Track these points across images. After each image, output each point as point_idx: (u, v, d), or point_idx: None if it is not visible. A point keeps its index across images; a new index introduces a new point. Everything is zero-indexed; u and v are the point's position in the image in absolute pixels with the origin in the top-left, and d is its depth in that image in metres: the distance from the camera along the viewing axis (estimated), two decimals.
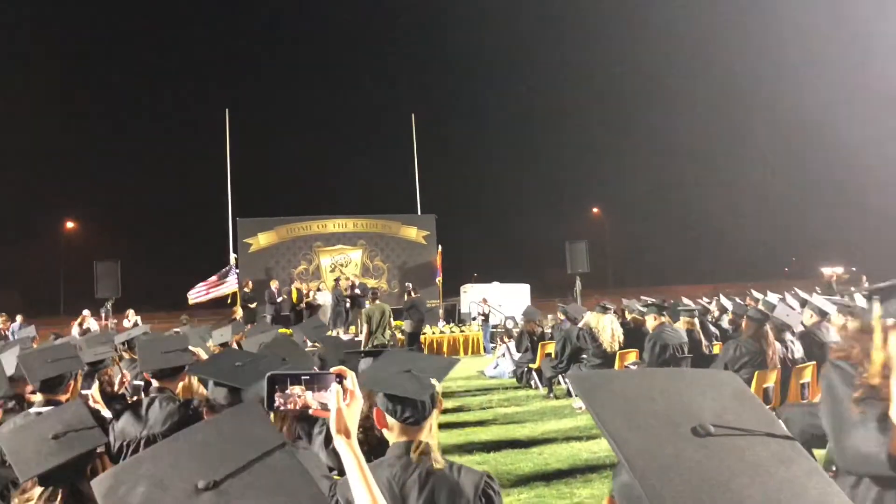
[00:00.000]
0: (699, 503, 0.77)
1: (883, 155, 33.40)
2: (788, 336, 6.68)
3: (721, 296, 12.22)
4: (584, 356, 8.73)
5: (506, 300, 18.15)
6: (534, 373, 10.31)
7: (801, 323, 7.47)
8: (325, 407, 1.41)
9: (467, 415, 8.59)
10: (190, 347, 4.08)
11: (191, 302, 17.49)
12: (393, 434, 2.01)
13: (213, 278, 17.65)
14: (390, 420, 1.99)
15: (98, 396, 4.05)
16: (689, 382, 1.01)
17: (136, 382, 4.52)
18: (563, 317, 10.51)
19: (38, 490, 1.89)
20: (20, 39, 43.67)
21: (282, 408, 1.40)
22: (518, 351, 11.18)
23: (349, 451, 1.38)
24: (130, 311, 16.09)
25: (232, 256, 18.89)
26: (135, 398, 4.21)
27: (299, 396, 1.41)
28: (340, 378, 1.43)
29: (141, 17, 50.43)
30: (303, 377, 1.42)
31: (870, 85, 36.84)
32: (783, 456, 0.88)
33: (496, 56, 57.59)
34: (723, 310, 10.67)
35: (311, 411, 1.42)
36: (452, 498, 1.88)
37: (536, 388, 10.17)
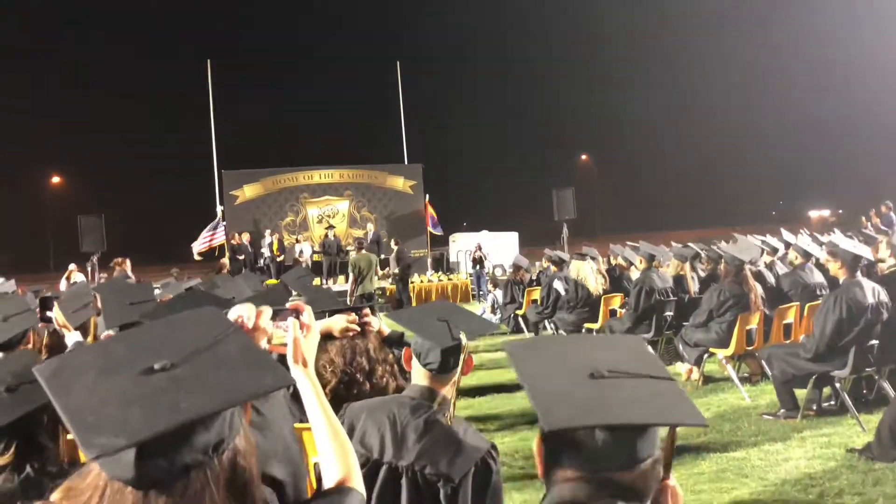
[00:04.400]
0: (576, 416, 1.05)
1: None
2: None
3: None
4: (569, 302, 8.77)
5: (495, 248, 18.10)
6: (520, 319, 10.36)
7: (790, 263, 7.50)
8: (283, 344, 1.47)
9: None
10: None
11: (195, 255, 17.54)
12: (414, 377, 2.05)
13: (207, 230, 17.65)
14: (414, 362, 2.03)
15: (62, 319, 3.83)
16: (597, 344, 1.36)
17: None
18: (548, 263, 10.49)
19: None
20: None
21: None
22: (505, 299, 11.21)
23: (307, 380, 1.42)
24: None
25: (219, 209, 18.66)
26: None
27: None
28: (297, 313, 1.47)
29: None
30: None
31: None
32: (657, 388, 1.15)
33: (482, 3, 55.99)
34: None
35: (268, 346, 1.46)
36: (449, 455, 1.84)
37: (523, 333, 10.24)
